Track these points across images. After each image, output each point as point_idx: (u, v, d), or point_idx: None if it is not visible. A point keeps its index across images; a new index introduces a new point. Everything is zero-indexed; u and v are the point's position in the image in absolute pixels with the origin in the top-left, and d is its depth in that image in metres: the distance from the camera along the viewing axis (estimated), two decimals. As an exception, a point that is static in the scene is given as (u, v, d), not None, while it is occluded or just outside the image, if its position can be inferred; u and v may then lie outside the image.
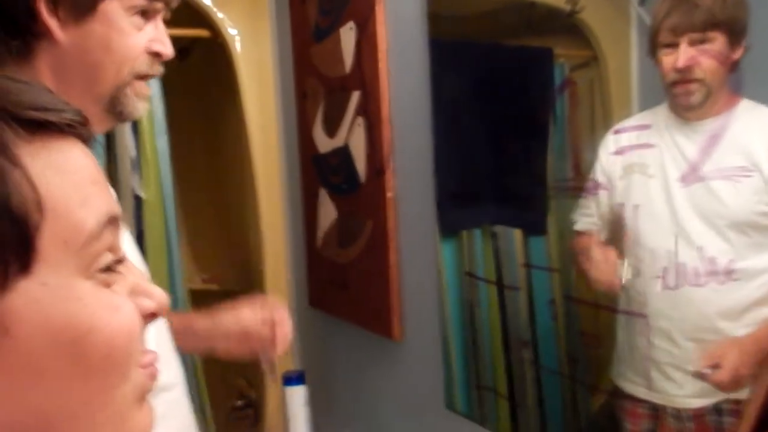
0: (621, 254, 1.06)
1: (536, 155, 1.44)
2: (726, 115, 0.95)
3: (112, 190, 0.48)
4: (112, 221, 0.45)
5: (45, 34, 0.85)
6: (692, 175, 0.96)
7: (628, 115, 1.14)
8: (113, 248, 0.45)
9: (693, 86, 0.97)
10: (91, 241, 0.42)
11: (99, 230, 0.43)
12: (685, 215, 0.97)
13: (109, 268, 0.44)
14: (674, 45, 0.95)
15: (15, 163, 0.39)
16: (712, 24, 0.92)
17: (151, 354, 0.48)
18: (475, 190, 1.50)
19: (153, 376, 0.48)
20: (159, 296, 0.48)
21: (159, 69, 0.94)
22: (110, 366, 0.43)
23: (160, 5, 0.91)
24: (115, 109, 0.91)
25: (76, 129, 0.45)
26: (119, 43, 0.89)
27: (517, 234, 1.45)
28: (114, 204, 0.46)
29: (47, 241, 0.40)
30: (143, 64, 0.91)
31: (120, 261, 0.46)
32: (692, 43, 0.94)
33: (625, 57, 1.22)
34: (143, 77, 0.92)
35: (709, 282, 0.93)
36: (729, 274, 0.92)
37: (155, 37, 0.91)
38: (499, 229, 1.47)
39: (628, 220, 1.03)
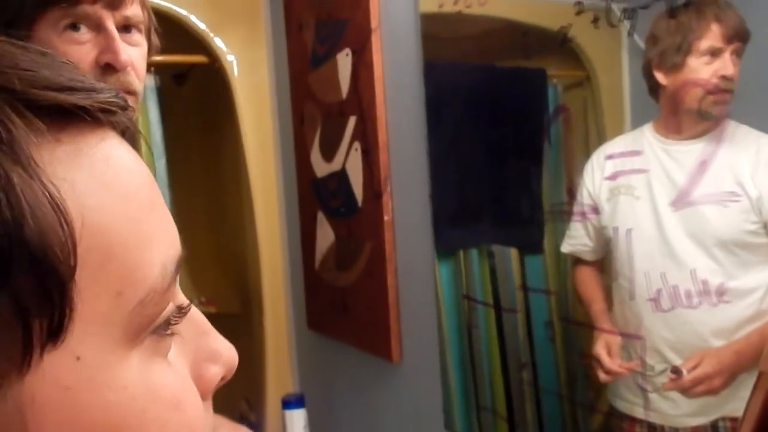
0: (614, 276, 1.08)
1: (531, 176, 1.46)
2: (715, 137, 0.97)
3: None
4: (179, 265, 0.32)
5: None
6: (682, 200, 0.98)
7: (621, 132, 1.16)
8: (175, 298, 0.32)
9: (728, 96, 0.97)
10: (153, 297, 0.29)
11: (165, 281, 0.30)
12: (675, 238, 0.99)
13: (165, 323, 0.31)
14: (715, 53, 0.95)
15: (32, 174, 0.26)
16: (748, 36, 0.93)
17: None
18: (471, 211, 1.52)
19: None
20: (227, 356, 0.36)
21: (119, 83, 0.85)
22: None
23: (93, 9, 0.84)
24: None
25: (116, 117, 0.31)
26: None
27: (513, 253, 1.46)
28: (178, 239, 0.33)
29: (87, 296, 0.27)
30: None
31: (181, 311, 0.32)
32: (733, 53, 0.94)
33: (617, 76, 1.24)
34: None
35: (701, 304, 0.95)
36: (721, 295, 0.94)
37: (104, 47, 0.85)
38: (496, 248, 1.48)
39: (620, 243, 1.05)
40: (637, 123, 1.15)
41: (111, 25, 0.85)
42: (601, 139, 1.22)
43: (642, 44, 1.04)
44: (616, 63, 1.22)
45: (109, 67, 0.85)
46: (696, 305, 0.95)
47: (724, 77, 0.93)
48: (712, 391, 0.95)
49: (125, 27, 0.88)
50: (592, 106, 1.32)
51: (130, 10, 0.87)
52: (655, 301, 0.99)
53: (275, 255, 1.97)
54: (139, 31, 0.90)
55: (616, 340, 1.05)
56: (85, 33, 0.85)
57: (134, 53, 0.88)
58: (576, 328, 1.17)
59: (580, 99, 1.36)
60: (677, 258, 0.98)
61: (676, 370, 0.97)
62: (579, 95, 1.36)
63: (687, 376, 0.96)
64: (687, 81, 0.97)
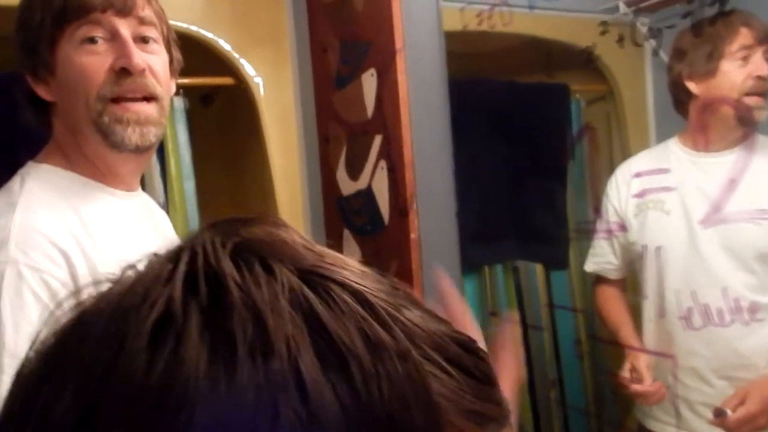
0: (643, 294, 1.07)
1: (555, 193, 1.47)
2: (745, 149, 0.97)
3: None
4: None
5: (44, 103, 0.90)
6: (715, 216, 0.97)
7: (646, 146, 1.16)
8: None
9: (762, 101, 0.97)
10: None
11: None
12: (710, 252, 0.97)
13: None
14: (747, 56, 0.95)
15: None
16: None
17: None
18: (496, 228, 1.52)
19: None
20: None
21: (135, 85, 0.87)
22: None
23: (105, 17, 0.86)
24: (108, 140, 0.88)
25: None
26: (78, 78, 0.86)
27: (538, 269, 1.46)
28: None
29: None
30: (107, 86, 0.86)
31: None
32: (765, 54, 0.94)
33: (640, 90, 1.25)
34: (117, 100, 0.87)
35: (733, 322, 0.94)
36: (753, 313, 0.93)
37: (118, 53, 0.86)
38: (521, 264, 1.48)
39: (650, 262, 1.04)
40: (661, 136, 1.14)
41: (124, 31, 0.88)
42: (626, 154, 1.22)
43: (667, 60, 1.04)
44: (639, 77, 1.23)
45: (124, 71, 0.87)
46: (728, 324, 0.95)
47: (759, 77, 0.93)
48: (759, 429, 0.92)
49: (143, 39, 0.90)
50: (616, 121, 1.33)
51: (143, 12, 0.90)
52: (686, 319, 0.99)
53: (301, 273, 1.98)
54: (156, 41, 0.93)
55: (647, 360, 1.04)
56: (101, 44, 0.87)
57: (152, 60, 0.91)
58: (605, 346, 1.17)
59: (603, 113, 1.37)
60: (711, 273, 0.97)
61: (720, 412, 0.94)
62: (602, 109, 1.37)
63: (731, 417, 0.92)
64: (722, 86, 0.97)
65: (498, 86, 1.55)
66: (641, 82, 1.22)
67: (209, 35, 1.88)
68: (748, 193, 0.94)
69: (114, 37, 0.87)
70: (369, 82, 1.57)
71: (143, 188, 1.96)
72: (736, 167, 0.96)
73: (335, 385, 0.26)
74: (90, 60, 0.87)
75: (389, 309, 0.30)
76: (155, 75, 0.90)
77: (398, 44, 1.45)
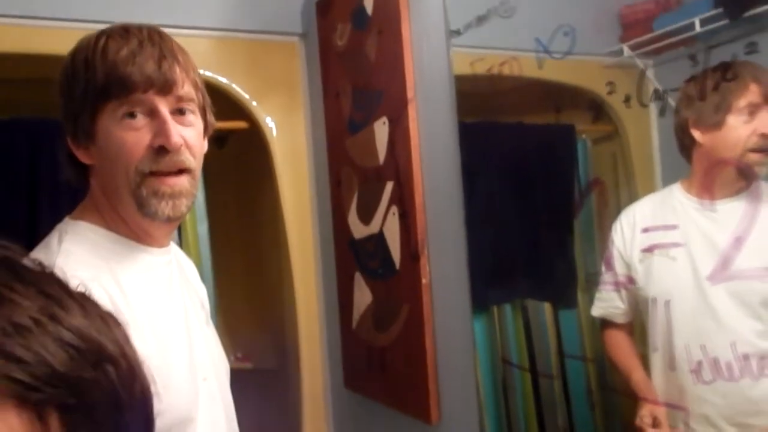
0: (652, 347, 1.08)
1: (563, 232, 1.48)
2: (750, 199, 0.98)
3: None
4: None
5: (83, 163, 0.94)
6: (724, 272, 0.98)
7: (652, 186, 1.17)
8: None
9: (765, 157, 0.98)
10: None
11: None
12: (718, 302, 0.98)
13: None
14: (754, 111, 0.97)
15: None
16: None
17: None
18: (506, 271, 1.53)
19: None
20: None
21: (171, 162, 0.90)
22: None
23: (146, 97, 0.89)
24: (142, 210, 0.92)
25: None
26: (118, 151, 0.90)
27: (547, 308, 1.47)
28: None
29: None
30: (146, 162, 0.90)
31: None
32: None
33: (646, 130, 1.26)
34: (156, 174, 0.91)
35: (743, 377, 0.95)
36: (762, 368, 0.94)
37: (157, 131, 0.90)
38: (530, 303, 1.49)
39: (659, 316, 1.05)
40: (667, 177, 1.16)
41: (164, 110, 0.91)
42: (632, 194, 1.23)
43: (672, 103, 1.06)
44: (645, 117, 1.25)
45: (162, 149, 0.90)
46: (737, 378, 0.96)
47: (764, 135, 0.95)
48: None
49: (179, 110, 0.94)
50: (622, 161, 1.34)
51: (182, 90, 0.93)
52: (696, 372, 1.00)
53: (312, 313, 2.00)
54: (193, 112, 0.96)
55: (661, 411, 1.05)
56: (140, 119, 0.91)
57: (188, 133, 0.94)
58: (617, 397, 1.18)
59: (609, 153, 1.39)
60: (720, 324, 0.98)
61: None
62: (608, 149, 1.39)
63: None
64: (727, 140, 0.99)
65: (505, 128, 1.58)
66: (647, 122, 1.24)
67: (224, 80, 1.93)
68: (755, 248, 0.96)
69: (153, 113, 0.91)
70: (381, 129, 1.60)
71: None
72: (741, 223, 0.97)
73: None
74: (130, 135, 0.90)
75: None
76: (190, 149, 0.94)
77: (410, 94, 1.49)
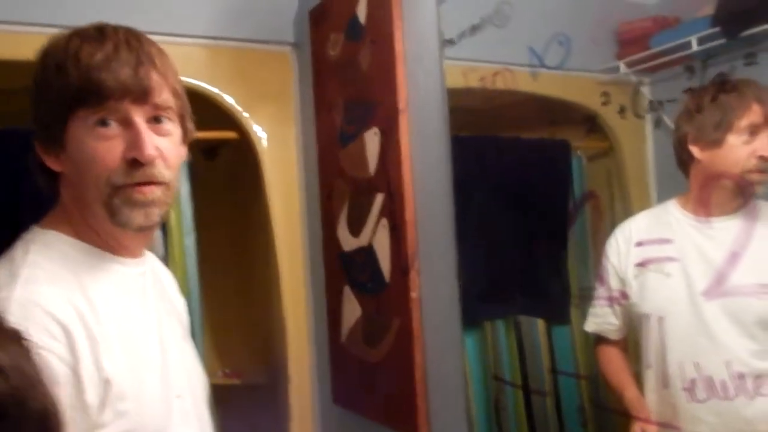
0: (645, 364, 1.05)
1: (557, 248, 1.46)
2: (747, 217, 0.97)
3: None
4: None
5: (53, 170, 0.90)
6: (719, 288, 0.97)
7: (647, 202, 1.16)
8: None
9: (763, 176, 0.97)
10: None
11: None
12: (713, 319, 0.97)
13: None
14: (754, 132, 0.95)
15: None
16: None
17: None
18: (498, 286, 1.51)
19: None
20: None
21: (145, 176, 0.86)
22: None
23: (120, 105, 0.85)
24: (114, 219, 0.87)
25: None
26: (89, 162, 0.86)
27: (540, 324, 1.45)
28: None
29: None
30: (118, 174, 0.85)
31: None
32: None
33: (641, 147, 1.25)
34: (130, 185, 0.86)
35: (738, 396, 0.93)
36: (758, 387, 0.92)
37: (130, 142, 0.86)
38: (523, 319, 1.47)
39: (652, 332, 1.03)
40: (663, 194, 1.14)
41: (138, 120, 0.87)
42: (627, 211, 1.22)
43: (671, 124, 1.04)
44: (640, 133, 1.24)
45: (135, 162, 0.86)
46: (732, 397, 0.93)
47: (762, 158, 0.94)
48: None
49: (156, 118, 0.90)
50: (617, 177, 1.33)
51: (160, 99, 0.89)
52: (690, 391, 0.98)
53: (301, 327, 1.97)
54: (171, 119, 0.92)
55: (654, 429, 1.03)
56: (113, 128, 0.86)
57: (164, 143, 0.90)
58: (609, 414, 1.15)
59: (604, 170, 1.37)
60: (714, 340, 0.96)
61: None
62: (603, 166, 1.37)
63: None
64: (725, 159, 0.98)
65: (499, 143, 1.56)
66: (642, 138, 1.22)
67: (214, 90, 1.91)
68: (751, 266, 0.94)
69: (127, 122, 0.87)
70: (372, 140, 1.58)
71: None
72: (738, 240, 0.95)
73: None
74: (102, 145, 0.86)
75: None
76: (165, 160, 0.90)
77: (401, 105, 1.47)
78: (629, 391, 1.11)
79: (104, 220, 0.89)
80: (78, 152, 0.87)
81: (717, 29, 0.98)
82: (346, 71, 1.68)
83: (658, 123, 1.04)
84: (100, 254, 0.92)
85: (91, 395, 0.81)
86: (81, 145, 0.86)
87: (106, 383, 0.83)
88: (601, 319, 1.20)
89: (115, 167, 0.86)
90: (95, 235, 0.91)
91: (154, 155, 0.87)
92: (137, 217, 0.87)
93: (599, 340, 1.22)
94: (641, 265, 1.08)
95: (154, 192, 0.88)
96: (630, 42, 1.17)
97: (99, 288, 0.89)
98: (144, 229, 0.92)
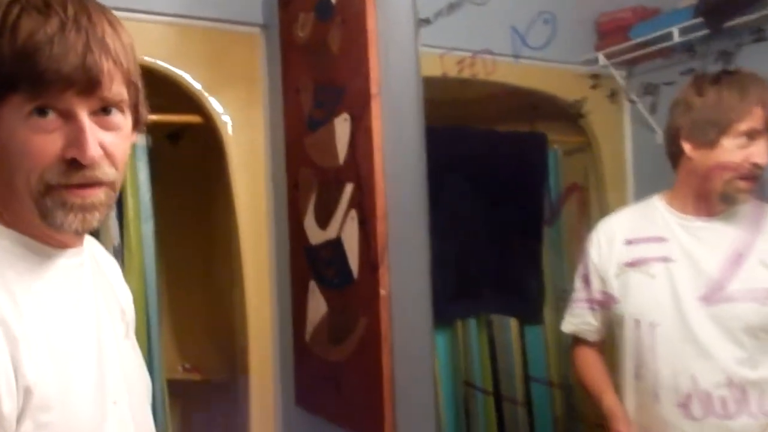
0: (635, 373, 0.99)
1: (531, 245, 1.40)
2: (746, 220, 0.92)
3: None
4: None
5: None
6: (716, 295, 0.90)
7: (623, 199, 1.11)
8: None
9: (756, 183, 0.92)
10: None
11: None
12: (702, 328, 0.91)
13: None
14: (752, 137, 0.90)
15: None
16: None
17: None
18: (470, 283, 1.45)
19: None
20: None
21: (84, 178, 0.75)
22: None
23: (63, 97, 0.73)
24: (46, 220, 0.76)
25: None
26: (20, 155, 0.74)
27: (512, 323, 1.39)
28: None
29: None
30: (54, 173, 0.74)
31: None
32: None
33: (618, 143, 1.20)
34: (66, 187, 0.75)
35: (740, 414, 0.86)
36: (761, 407, 0.85)
37: (71, 139, 0.74)
38: (495, 318, 1.41)
39: (644, 338, 0.97)
40: (640, 191, 1.10)
41: (82, 115, 0.74)
42: (603, 207, 1.17)
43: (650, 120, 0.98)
44: (618, 129, 1.19)
45: (75, 162, 0.74)
46: (732, 415, 0.87)
47: (755, 164, 0.89)
48: None
49: (104, 108, 0.77)
50: (594, 173, 1.28)
51: (110, 91, 0.76)
52: (685, 407, 0.91)
53: (264, 323, 1.88)
54: (121, 111, 0.79)
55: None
56: (52, 120, 0.74)
57: (110, 139, 0.78)
58: (584, 426, 1.09)
59: (581, 165, 1.32)
60: (706, 351, 0.90)
61: None
62: (580, 161, 1.32)
63: None
64: (718, 162, 0.92)
65: (475, 135, 1.50)
66: (620, 134, 1.18)
67: (178, 71, 1.81)
68: (754, 269, 0.88)
69: (69, 115, 0.74)
70: (342, 126, 1.49)
71: (96, 231, 1.85)
72: (739, 241, 0.89)
73: None
74: (37, 138, 0.74)
75: None
76: (110, 158, 0.78)
77: (374, 89, 1.38)
78: (607, 397, 1.05)
79: (35, 217, 0.77)
80: (9, 142, 0.74)
81: (699, 20, 0.93)
82: (316, 53, 1.59)
83: (653, 109, 0.98)
84: (29, 244, 0.81)
85: (7, 405, 0.71)
86: (12, 135, 0.74)
87: (26, 391, 0.73)
88: (579, 319, 1.15)
89: (50, 164, 0.74)
90: (24, 225, 0.80)
91: (98, 154, 0.75)
92: (73, 222, 0.76)
93: (576, 341, 1.17)
94: (631, 264, 1.02)
95: (95, 195, 0.77)
96: (609, 33, 1.14)
97: (25, 283, 0.77)
98: (79, 234, 0.81)
